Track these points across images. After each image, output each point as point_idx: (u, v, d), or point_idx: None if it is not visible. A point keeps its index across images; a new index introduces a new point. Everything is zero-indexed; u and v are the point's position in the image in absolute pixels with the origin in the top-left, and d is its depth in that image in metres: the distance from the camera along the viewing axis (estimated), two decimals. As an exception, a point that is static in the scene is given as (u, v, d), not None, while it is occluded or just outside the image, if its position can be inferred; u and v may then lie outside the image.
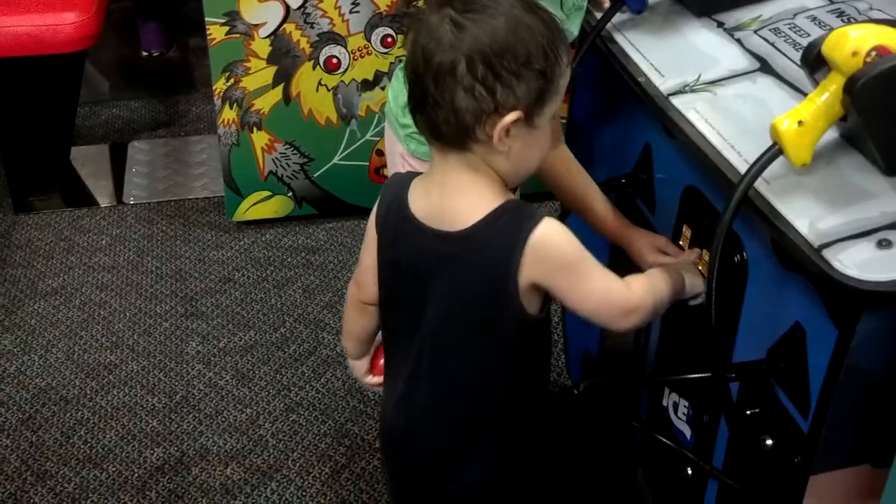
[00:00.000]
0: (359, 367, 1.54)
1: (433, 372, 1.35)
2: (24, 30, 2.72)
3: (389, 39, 2.62)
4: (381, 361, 1.51)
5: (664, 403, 1.67)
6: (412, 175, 1.35)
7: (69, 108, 3.10)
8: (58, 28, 2.74)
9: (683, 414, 1.62)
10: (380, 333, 1.49)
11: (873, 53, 1.16)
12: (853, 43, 1.17)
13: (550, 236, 1.24)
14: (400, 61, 1.68)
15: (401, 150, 1.69)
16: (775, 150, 1.22)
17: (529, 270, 1.24)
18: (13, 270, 2.70)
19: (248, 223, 2.85)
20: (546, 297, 1.29)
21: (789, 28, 1.54)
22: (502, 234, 1.24)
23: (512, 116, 1.20)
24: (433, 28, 1.20)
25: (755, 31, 1.56)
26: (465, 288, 1.28)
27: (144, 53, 3.77)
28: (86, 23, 2.76)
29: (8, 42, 2.71)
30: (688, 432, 1.61)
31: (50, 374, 2.37)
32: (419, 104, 1.24)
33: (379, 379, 1.52)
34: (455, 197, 1.26)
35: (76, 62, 2.98)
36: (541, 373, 1.41)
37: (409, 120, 1.68)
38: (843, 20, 1.52)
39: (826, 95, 1.20)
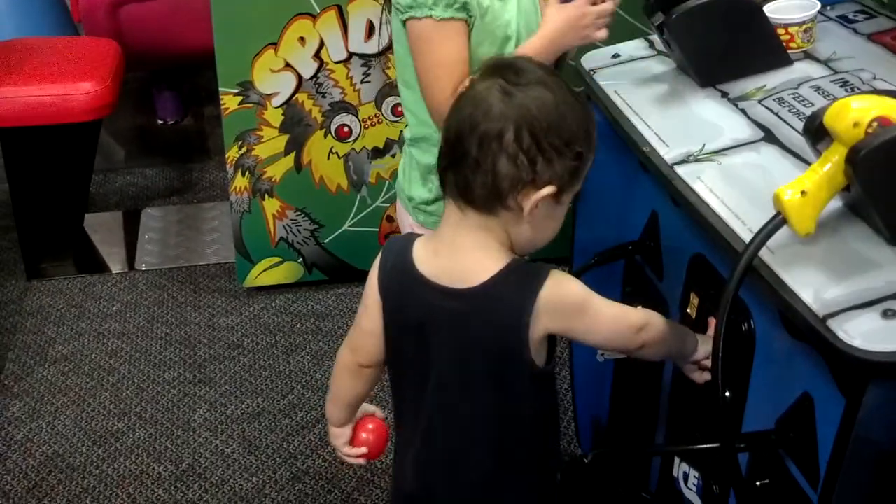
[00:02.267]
0: (341, 435, 1.50)
1: (447, 430, 1.36)
2: (41, 99, 2.77)
3: (400, 108, 2.65)
4: (363, 434, 1.49)
5: (674, 474, 1.65)
6: (412, 237, 1.37)
7: (84, 175, 3.14)
8: (74, 97, 2.79)
9: (694, 484, 1.60)
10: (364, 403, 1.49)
11: (875, 124, 1.17)
12: (855, 114, 1.18)
13: (561, 285, 1.28)
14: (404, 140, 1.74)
15: (410, 221, 1.77)
16: (779, 220, 1.22)
17: (544, 321, 1.27)
18: (24, 337, 2.71)
19: (259, 289, 2.86)
20: (551, 349, 1.32)
21: (793, 98, 1.55)
22: (514, 289, 1.27)
23: (547, 190, 1.23)
24: (481, 95, 1.23)
25: (759, 101, 1.57)
26: (475, 343, 1.30)
27: (160, 122, 3.82)
28: (102, 92, 2.81)
29: (25, 111, 2.76)
30: (698, 503, 1.59)
31: (57, 441, 2.36)
32: (455, 163, 1.25)
33: (358, 450, 1.49)
34: (465, 256, 1.29)
35: (92, 131, 3.03)
36: (552, 425, 1.43)
37: (414, 193, 1.72)
38: (846, 90, 1.53)
39: (829, 166, 1.21)
